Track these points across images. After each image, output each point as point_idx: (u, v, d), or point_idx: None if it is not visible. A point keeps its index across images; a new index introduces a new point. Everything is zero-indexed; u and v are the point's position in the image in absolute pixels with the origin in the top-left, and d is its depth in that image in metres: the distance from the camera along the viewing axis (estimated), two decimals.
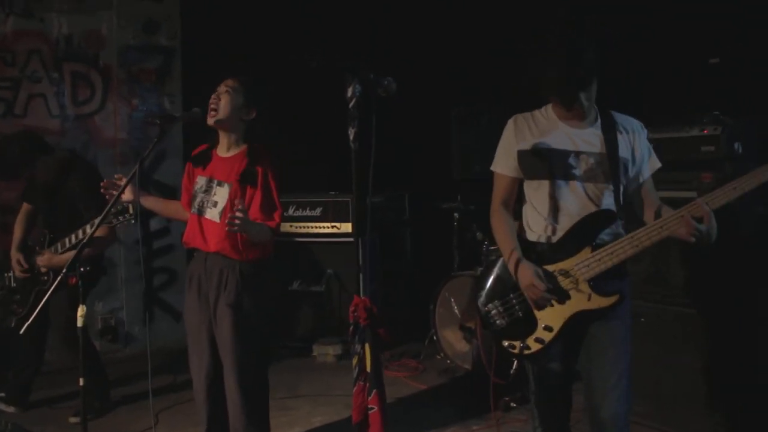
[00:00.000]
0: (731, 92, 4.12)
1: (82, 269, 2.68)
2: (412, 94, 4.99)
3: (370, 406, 2.22)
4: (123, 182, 3.08)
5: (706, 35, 4.43)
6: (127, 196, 3.13)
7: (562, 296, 2.47)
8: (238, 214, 2.75)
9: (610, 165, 2.48)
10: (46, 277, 4.05)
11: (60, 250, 3.94)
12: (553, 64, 2.38)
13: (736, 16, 4.26)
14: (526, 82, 2.50)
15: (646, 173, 2.59)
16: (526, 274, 2.45)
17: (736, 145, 3.61)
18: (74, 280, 2.64)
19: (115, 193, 2.98)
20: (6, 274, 4.23)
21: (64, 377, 4.66)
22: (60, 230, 4.00)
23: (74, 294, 3.97)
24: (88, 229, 3.71)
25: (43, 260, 4.00)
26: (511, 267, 2.53)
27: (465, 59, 5.90)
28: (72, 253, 3.76)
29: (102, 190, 3.03)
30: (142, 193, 3.27)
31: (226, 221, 2.78)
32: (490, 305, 2.63)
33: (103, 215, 2.82)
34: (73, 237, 3.85)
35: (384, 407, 2.25)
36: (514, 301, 2.57)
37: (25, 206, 4.32)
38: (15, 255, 4.14)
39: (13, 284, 4.19)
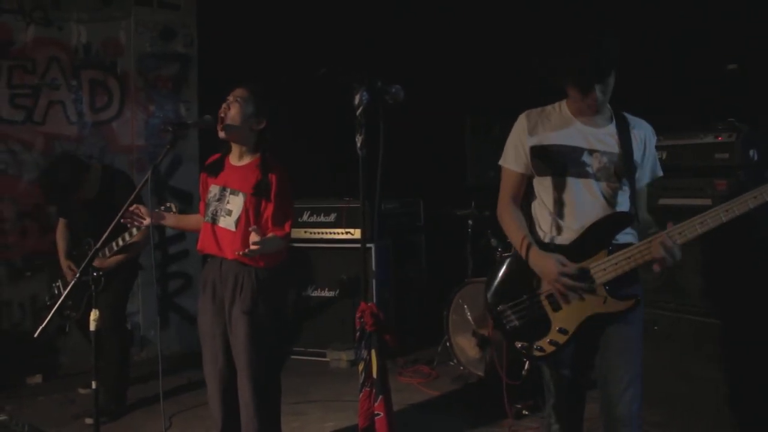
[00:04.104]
0: (750, 98, 4.08)
1: (95, 274, 2.73)
2: (427, 103, 5.01)
3: (376, 412, 2.22)
4: (140, 212, 3.19)
5: (725, 41, 4.40)
6: (147, 221, 3.22)
7: (583, 293, 2.43)
8: (253, 247, 2.85)
9: (624, 165, 2.46)
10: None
11: (107, 255, 4.18)
12: (575, 51, 2.35)
13: (755, 22, 4.23)
14: (543, 73, 2.45)
15: (646, 179, 2.58)
16: (549, 264, 2.41)
17: (751, 152, 3.57)
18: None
19: (135, 221, 3.21)
20: (54, 284, 4.51)
21: (83, 378, 4.77)
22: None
23: (113, 295, 4.30)
24: (127, 237, 4.05)
25: (96, 264, 4.16)
26: (523, 253, 2.49)
27: (479, 68, 5.91)
28: (120, 257, 4.22)
29: (122, 220, 3.07)
30: (163, 213, 3.31)
31: (240, 253, 2.87)
32: (502, 305, 2.59)
33: (105, 235, 2.86)
34: (120, 240, 4.09)
35: (390, 413, 2.24)
36: (528, 302, 2.54)
37: (62, 220, 4.57)
38: (65, 263, 4.43)
39: (63, 291, 4.34)
